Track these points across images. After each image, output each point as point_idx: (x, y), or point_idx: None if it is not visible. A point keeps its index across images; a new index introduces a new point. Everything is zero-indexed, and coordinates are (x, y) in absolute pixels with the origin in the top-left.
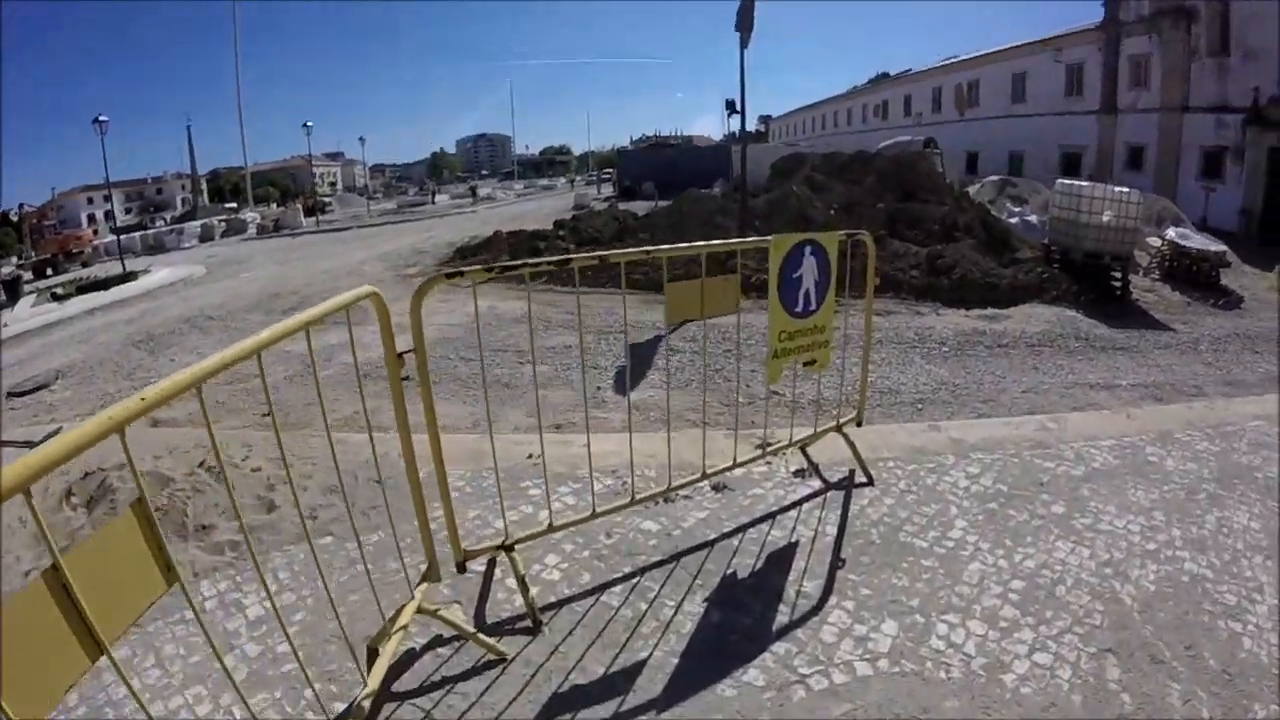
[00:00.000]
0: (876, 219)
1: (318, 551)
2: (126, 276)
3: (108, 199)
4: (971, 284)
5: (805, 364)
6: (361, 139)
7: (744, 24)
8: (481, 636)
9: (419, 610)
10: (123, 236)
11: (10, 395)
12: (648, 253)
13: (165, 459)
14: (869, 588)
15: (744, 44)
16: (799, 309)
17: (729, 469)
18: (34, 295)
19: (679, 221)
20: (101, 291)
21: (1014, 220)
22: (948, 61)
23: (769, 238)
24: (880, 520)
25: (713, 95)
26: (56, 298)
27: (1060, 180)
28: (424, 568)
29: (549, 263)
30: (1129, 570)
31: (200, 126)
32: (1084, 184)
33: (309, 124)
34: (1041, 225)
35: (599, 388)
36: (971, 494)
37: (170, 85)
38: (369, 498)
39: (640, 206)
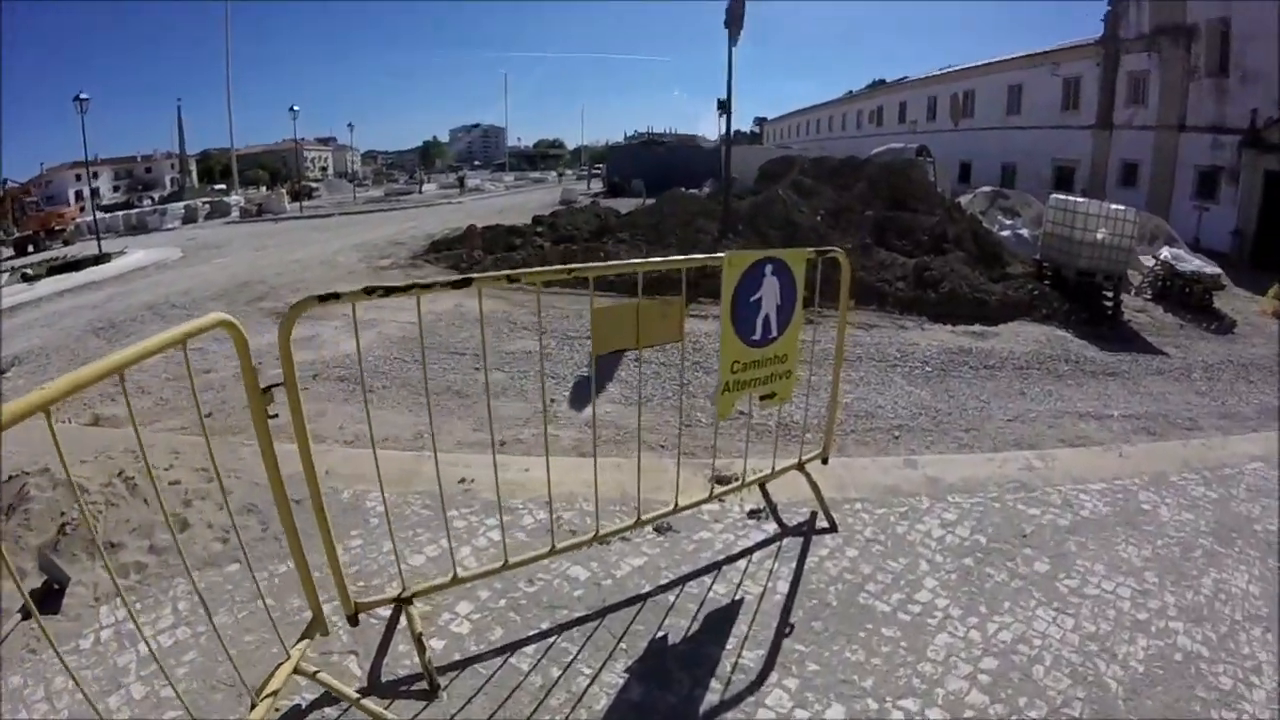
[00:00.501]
0: (864, 226)
1: (225, 579)
2: (100, 258)
3: (95, 176)
4: (960, 299)
5: (762, 398)
6: (350, 125)
7: (733, 20)
8: (367, 703)
9: (296, 671)
10: (107, 215)
11: None
12: (570, 271)
13: (90, 463)
14: (818, 661)
15: (733, 41)
16: (756, 337)
17: (669, 513)
18: (4, 275)
19: (659, 222)
20: (73, 273)
21: (1006, 233)
22: (944, 71)
23: (719, 255)
24: (840, 576)
25: (713, 96)
26: (26, 278)
27: (1055, 195)
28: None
29: (444, 284)
30: (1116, 646)
31: (193, 107)
32: (1079, 200)
33: (295, 108)
34: (1034, 239)
35: (553, 400)
36: (946, 546)
37: (165, 65)
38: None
39: (627, 204)
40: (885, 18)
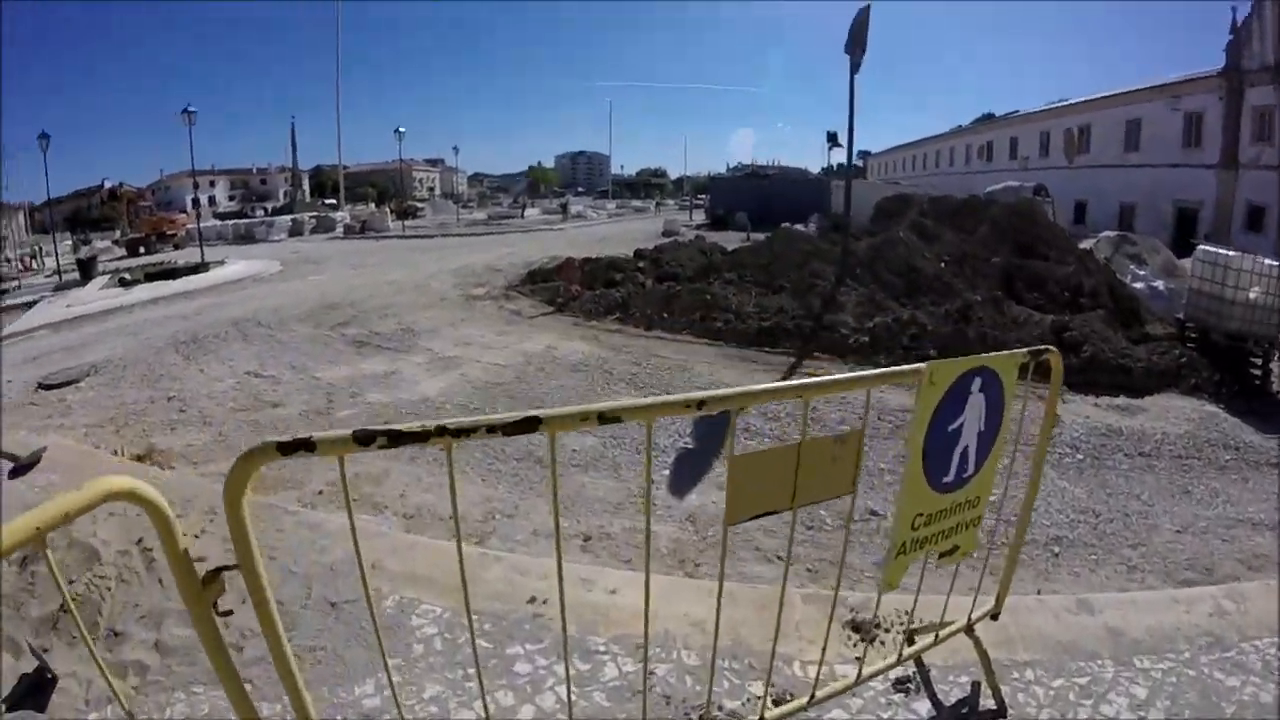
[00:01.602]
0: (991, 275)
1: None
2: (198, 267)
3: (212, 185)
4: (1102, 364)
5: (941, 555)
6: (455, 148)
7: (855, 44)
8: None
9: None
10: (218, 223)
11: (40, 387)
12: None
13: (115, 516)
14: None
15: (854, 67)
16: (949, 479)
17: (803, 707)
18: (105, 277)
19: (770, 262)
20: (170, 281)
21: (1139, 285)
22: (1058, 104)
23: (915, 366)
24: None
25: (814, 127)
26: (124, 283)
27: (1203, 247)
28: None
29: (500, 425)
30: None
31: (310, 124)
32: (1231, 253)
33: (401, 129)
34: (1169, 293)
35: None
36: None
37: (285, 83)
38: (318, 626)
39: (731, 237)
40: (995, 49)
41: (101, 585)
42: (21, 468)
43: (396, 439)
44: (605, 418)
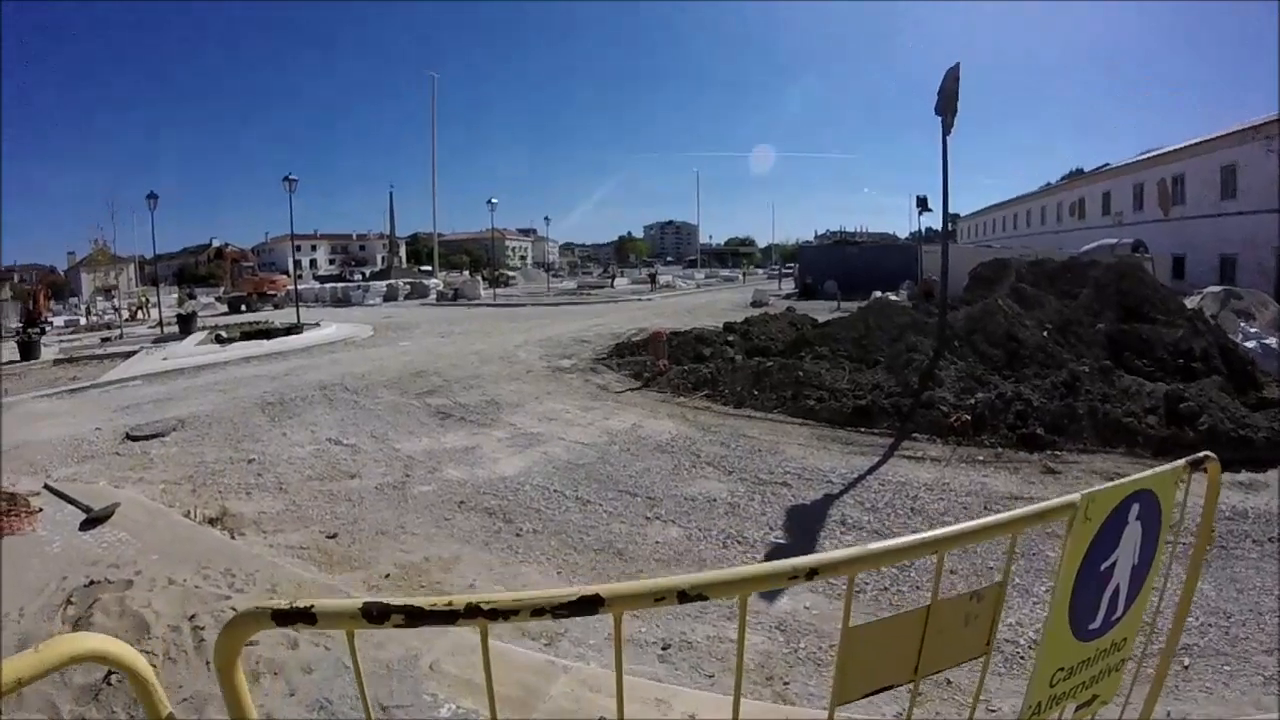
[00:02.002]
0: (1097, 342)
1: None
2: (293, 329)
3: (313, 248)
4: (1220, 436)
5: (1079, 707)
6: (546, 218)
7: (946, 106)
8: None
9: None
10: (318, 285)
11: (128, 437)
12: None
13: (171, 588)
14: None
15: (946, 129)
16: (1095, 625)
17: None
18: (203, 333)
19: (863, 335)
20: (265, 340)
21: (1250, 344)
22: (1149, 154)
23: (1067, 500)
24: None
25: (899, 191)
26: (220, 340)
27: None
28: None
29: (551, 604)
30: None
31: (409, 193)
32: None
33: (493, 200)
34: None
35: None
36: None
37: (387, 151)
38: None
39: (821, 307)
40: (1080, 103)
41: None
42: (93, 520)
43: (415, 617)
44: (686, 596)
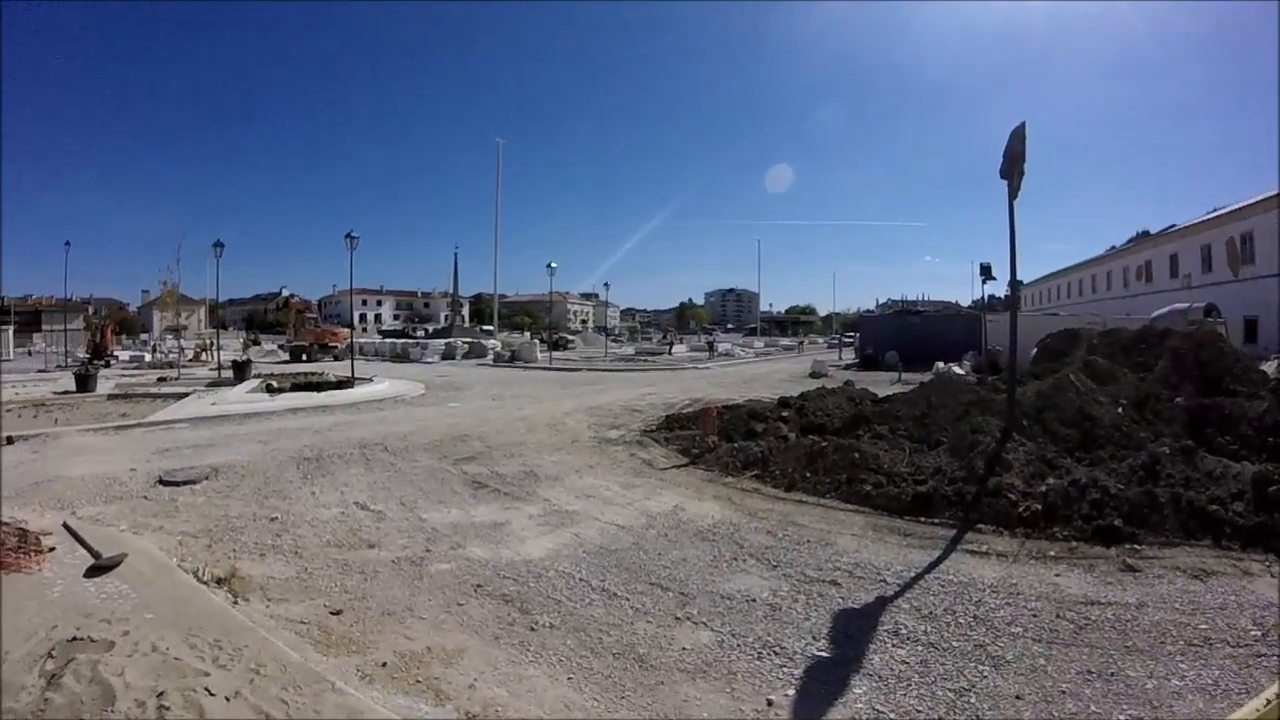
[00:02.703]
0: (1175, 420)
1: None
2: (343, 383)
3: (379, 303)
4: None
5: None
6: (606, 284)
7: (1012, 168)
8: None
9: None
10: (378, 340)
11: (160, 482)
12: None
13: (151, 655)
14: None
15: (1013, 193)
16: None
17: None
18: (255, 380)
19: (925, 414)
20: (314, 393)
21: None
22: (1216, 213)
23: None
24: None
25: (960, 259)
26: (270, 390)
27: None
28: None
29: None
30: None
31: (475, 253)
32: None
33: (553, 264)
34: None
35: (769, 702)
36: None
37: (455, 211)
38: None
39: (881, 378)
40: (1141, 163)
41: None
42: (99, 568)
43: None
44: None
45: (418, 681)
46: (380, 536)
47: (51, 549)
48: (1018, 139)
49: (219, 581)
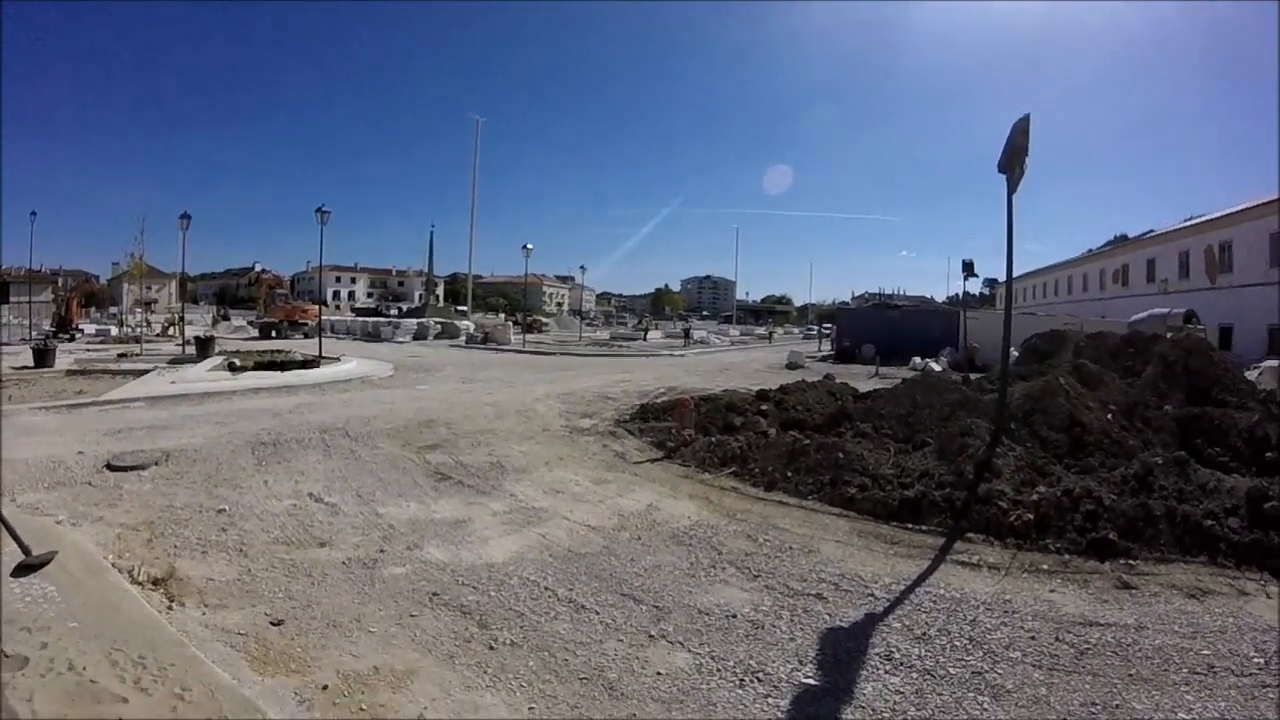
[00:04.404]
0: (1165, 429)
1: None
2: (308, 363)
3: (353, 280)
4: None
5: None
6: (582, 267)
7: (1013, 161)
8: None
9: None
10: (350, 318)
11: (108, 467)
12: None
13: (56, 681)
14: None
15: (1012, 187)
16: None
17: None
18: (219, 358)
19: (910, 413)
20: (278, 372)
21: None
22: (1194, 220)
23: None
24: None
25: (935, 253)
26: (232, 368)
27: None
28: None
29: None
30: None
31: (452, 232)
32: None
33: (529, 246)
34: None
35: None
36: None
37: (433, 189)
38: None
39: (858, 371)
40: (1123, 166)
41: None
42: (27, 566)
43: None
44: None
45: (361, 710)
46: (332, 533)
47: None
48: (1020, 131)
49: (155, 583)
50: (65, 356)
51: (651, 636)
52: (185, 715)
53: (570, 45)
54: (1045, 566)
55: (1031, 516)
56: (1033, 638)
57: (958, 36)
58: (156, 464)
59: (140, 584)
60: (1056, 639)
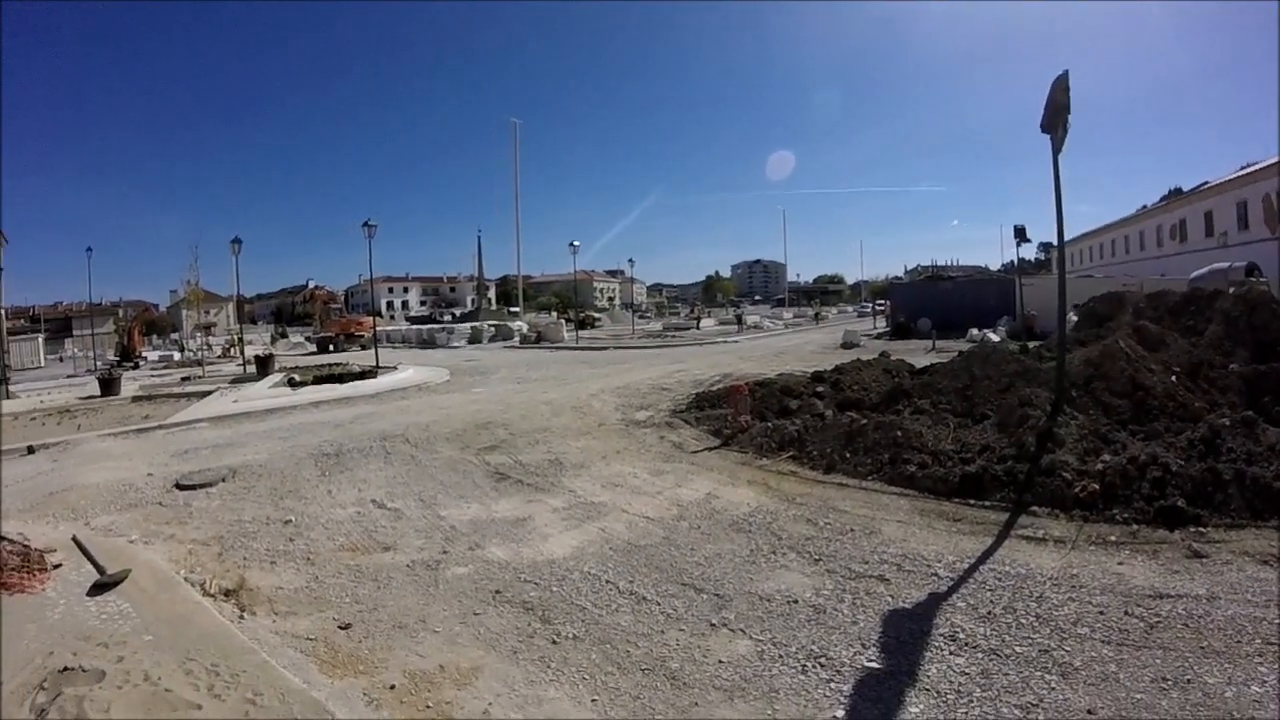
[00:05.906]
0: (1231, 388)
1: None
2: (366, 373)
3: (405, 290)
4: None
5: None
6: (631, 260)
7: (1055, 120)
8: None
9: None
10: (405, 327)
11: (177, 486)
12: None
13: (132, 691)
14: None
15: (1057, 147)
16: None
17: None
18: (279, 375)
19: (968, 385)
20: (337, 385)
21: None
22: (1252, 168)
23: None
24: None
25: (987, 222)
26: (293, 384)
27: None
28: None
29: None
30: None
31: (500, 235)
32: None
33: (575, 243)
34: None
35: None
36: None
37: (479, 194)
38: None
39: (915, 346)
40: (1173, 119)
41: None
42: (103, 585)
43: None
44: None
45: (427, 708)
46: (396, 538)
47: (58, 565)
48: (1060, 88)
49: (226, 594)
50: (131, 384)
51: (713, 625)
52: (257, 718)
53: (604, 31)
54: (1113, 538)
55: (1097, 486)
56: (1101, 612)
57: None
58: (223, 481)
59: (212, 596)
60: (1125, 613)
